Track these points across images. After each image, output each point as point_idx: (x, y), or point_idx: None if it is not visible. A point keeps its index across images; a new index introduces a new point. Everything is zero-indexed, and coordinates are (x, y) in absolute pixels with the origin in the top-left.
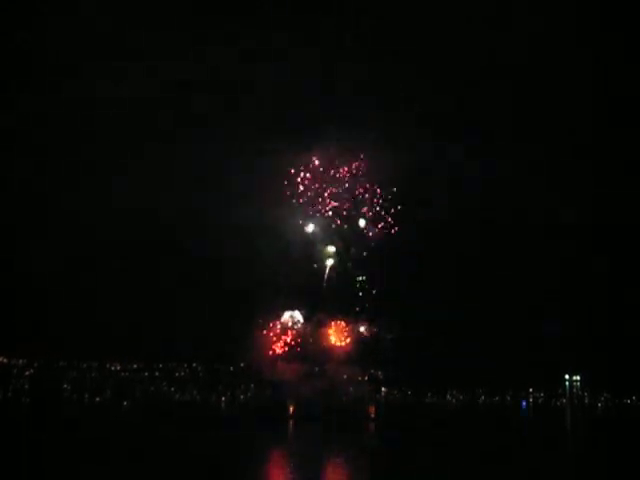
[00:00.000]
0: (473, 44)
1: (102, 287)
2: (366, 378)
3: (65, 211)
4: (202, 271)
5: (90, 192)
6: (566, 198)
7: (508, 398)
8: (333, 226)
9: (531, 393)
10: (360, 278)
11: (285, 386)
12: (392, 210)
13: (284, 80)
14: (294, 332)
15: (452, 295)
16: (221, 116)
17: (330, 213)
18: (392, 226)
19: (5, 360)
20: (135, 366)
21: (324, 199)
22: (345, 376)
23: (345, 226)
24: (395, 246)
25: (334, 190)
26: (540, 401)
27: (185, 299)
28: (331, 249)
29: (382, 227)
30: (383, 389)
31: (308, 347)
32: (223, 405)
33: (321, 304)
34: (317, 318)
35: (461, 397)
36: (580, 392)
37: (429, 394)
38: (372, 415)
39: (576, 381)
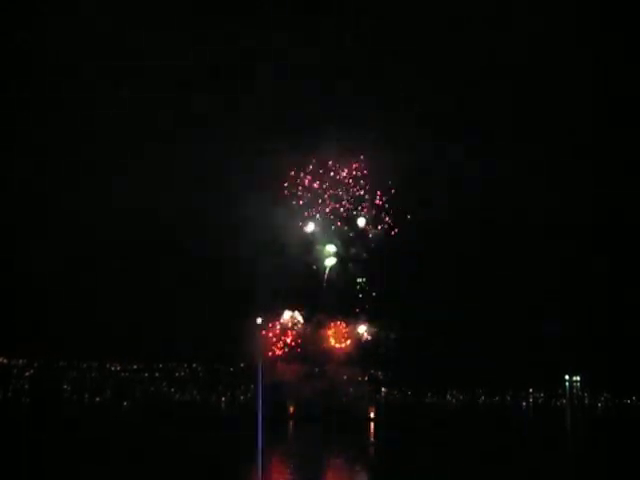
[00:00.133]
0: (473, 44)
1: (102, 287)
2: (366, 378)
3: (65, 211)
4: (202, 271)
5: (90, 192)
6: (566, 198)
7: (508, 398)
8: (333, 226)
9: (531, 393)
10: (360, 279)
11: (285, 387)
12: (392, 211)
13: (284, 80)
14: (294, 332)
15: (452, 295)
16: (221, 116)
17: (330, 213)
18: (392, 227)
19: (5, 360)
20: (135, 366)
21: (324, 199)
22: (345, 376)
23: (345, 227)
24: (395, 247)
25: (334, 191)
26: (540, 401)
27: (185, 299)
28: (331, 249)
29: (382, 228)
30: (383, 389)
31: (308, 348)
32: (223, 405)
33: (321, 305)
34: (317, 319)
35: (461, 397)
36: (580, 392)
37: (429, 394)
38: (372, 415)
39: (576, 381)
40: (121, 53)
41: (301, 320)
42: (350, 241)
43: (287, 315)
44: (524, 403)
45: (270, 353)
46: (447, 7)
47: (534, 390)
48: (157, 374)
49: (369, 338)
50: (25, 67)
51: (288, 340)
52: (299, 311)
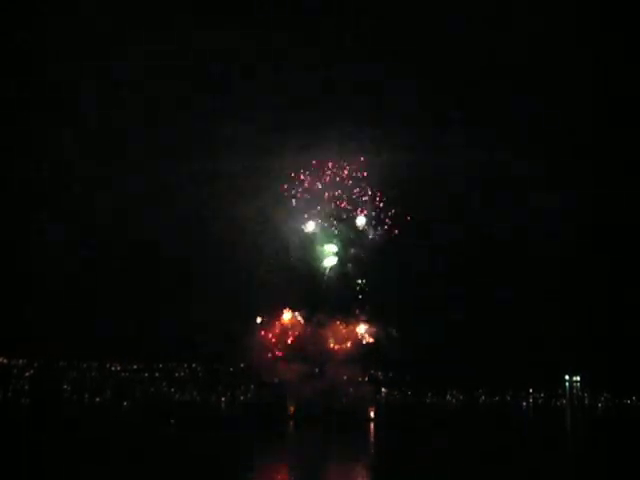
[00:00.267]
0: (473, 44)
1: (102, 287)
2: (366, 379)
3: (65, 212)
4: (202, 271)
5: (90, 192)
6: (566, 198)
7: (508, 398)
8: (333, 226)
9: (531, 393)
10: (360, 281)
11: (285, 387)
12: (392, 212)
13: (284, 80)
14: (294, 333)
15: (452, 296)
16: (221, 116)
17: (330, 214)
18: (392, 228)
19: (5, 360)
20: (135, 366)
21: (324, 200)
22: (345, 377)
23: (345, 227)
24: (395, 248)
25: (334, 191)
26: (540, 401)
27: (185, 299)
28: (330, 249)
29: (382, 229)
30: (383, 389)
31: (308, 348)
32: (223, 405)
33: (321, 305)
34: (317, 319)
35: (461, 397)
36: (580, 392)
37: (429, 394)
38: (372, 416)
39: (576, 381)
40: (121, 53)
41: (301, 320)
42: (350, 241)
43: (287, 315)
44: (524, 403)
45: (270, 353)
46: (447, 7)
47: (534, 390)
48: (157, 374)
49: (369, 338)
50: (25, 67)
51: (288, 340)
52: (299, 311)
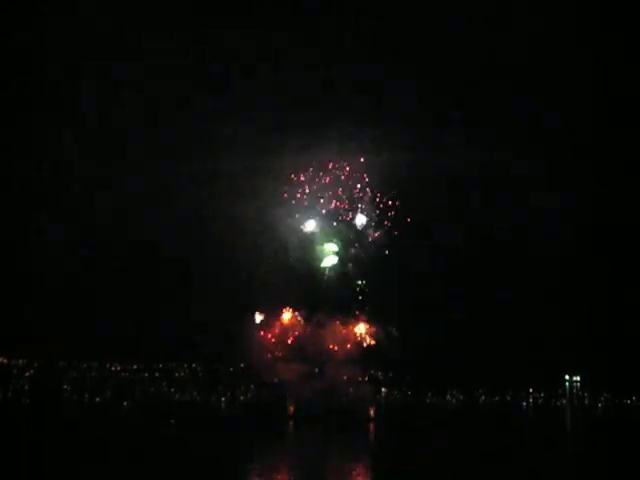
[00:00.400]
0: (473, 44)
1: (102, 287)
2: (366, 379)
3: (65, 212)
4: (202, 271)
5: (90, 192)
6: (566, 198)
7: (508, 398)
8: (334, 224)
9: (531, 393)
10: (360, 282)
11: (285, 387)
12: (392, 212)
13: (284, 80)
14: (294, 333)
15: (452, 296)
16: (221, 116)
17: (330, 214)
18: (392, 229)
19: (5, 360)
20: (135, 366)
21: (323, 200)
22: (345, 377)
23: (345, 227)
24: (395, 248)
25: (334, 191)
26: (540, 401)
27: (185, 299)
28: (331, 248)
29: (382, 229)
30: (383, 389)
31: (308, 348)
32: (223, 405)
33: (321, 305)
34: (317, 319)
35: (461, 397)
36: (580, 392)
37: (429, 394)
38: (372, 415)
39: (576, 381)
40: (121, 53)
41: (301, 320)
42: (350, 241)
43: (287, 315)
44: (524, 403)
45: (270, 353)
46: (447, 7)
47: (534, 390)
48: (157, 374)
49: (369, 338)
50: (25, 67)
51: (288, 340)
52: (299, 311)
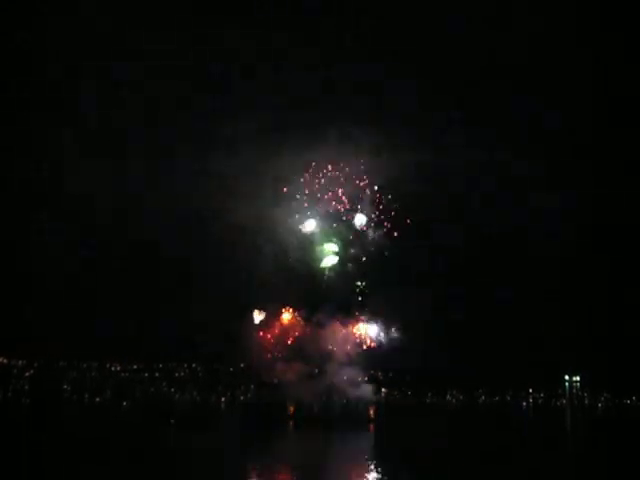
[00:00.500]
0: (473, 44)
1: (102, 287)
2: (366, 379)
3: (65, 212)
4: (202, 271)
5: (90, 193)
6: (566, 198)
7: (508, 398)
8: (334, 224)
9: (531, 393)
10: (359, 283)
11: (285, 387)
12: (392, 213)
13: (284, 80)
14: (294, 333)
15: (452, 296)
16: (221, 116)
17: (329, 214)
18: (391, 229)
19: (5, 360)
20: (135, 366)
21: (323, 200)
22: (345, 377)
23: (344, 227)
24: (394, 248)
25: (334, 191)
26: (540, 401)
27: (185, 299)
28: (331, 248)
29: (382, 229)
30: (383, 390)
31: (308, 348)
32: (223, 405)
33: (321, 304)
34: (317, 319)
35: (461, 397)
36: (580, 392)
37: (429, 394)
38: (372, 416)
39: (576, 381)
40: (121, 53)
41: (301, 320)
42: (350, 241)
43: (287, 316)
44: (524, 403)
45: (270, 354)
46: (447, 7)
47: (534, 390)
48: (157, 374)
49: (369, 339)
50: (25, 67)
51: (288, 341)
52: (299, 311)
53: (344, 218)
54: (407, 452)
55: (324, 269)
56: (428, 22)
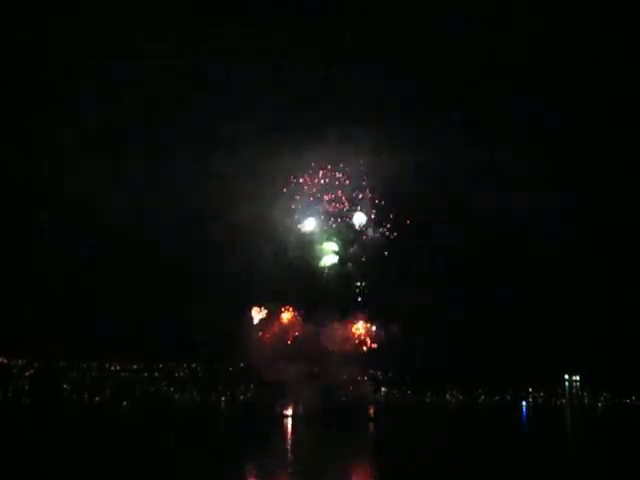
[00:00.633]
0: (473, 44)
1: (102, 287)
2: (366, 378)
3: (65, 213)
4: (202, 271)
5: (90, 193)
6: (566, 198)
7: (508, 398)
8: (334, 226)
9: (531, 393)
10: (359, 283)
11: (285, 386)
12: (391, 214)
13: (284, 80)
14: (294, 332)
15: (452, 296)
16: (221, 116)
17: (329, 213)
18: (391, 230)
19: (5, 360)
20: (135, 366)
21: (323, 200)
22: (344, 376)
23: (344, 226)
24: (394, 249)
25: (334, 191)
26: (540, 401)
27: (185, 299)
28: (330, 247)
29: (381, 229)
30: (383, 389)
31: (308, 347)
32: (223, 405)
33: (320, 304)
34: (316, 318)
35: (461, 397)
36: (580, 392)
37: (429, 394)
38: (372, 415)
39: (576, 381)
40: (121, 53)
41: (300, 320)
42: (350, 241)
43: (287, 315)
44: (524, 402)
45: (269, 353)
46: (447, 7)
47: (534, 390)
48: (157, 374)
49: (368, 338)
50: (25, 67)
51: (288, 340)
52: (298, 311)
53: (344, 218)
54: (407, 451)
55: (324, 268)
56: (428, 22)
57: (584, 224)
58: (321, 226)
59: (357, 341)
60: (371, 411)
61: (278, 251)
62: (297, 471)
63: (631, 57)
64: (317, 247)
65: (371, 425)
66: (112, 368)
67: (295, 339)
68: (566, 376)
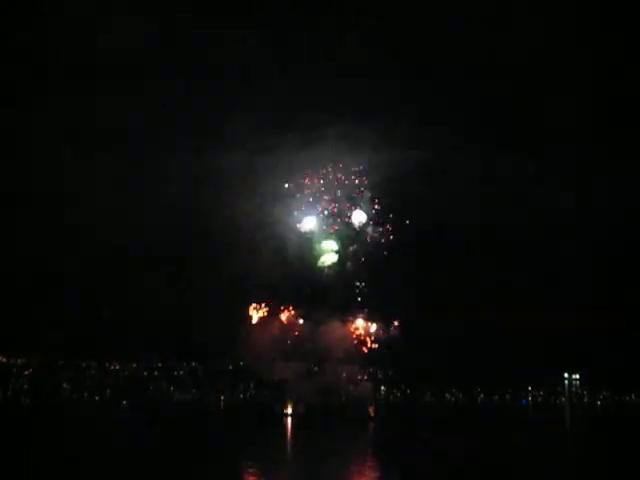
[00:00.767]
0: (473, 44)
1: (102, 288)
2: (365, 377)
3: (66, 213)
4: (201, 271)
5: (90, 193)
6: (566, 198)
7: (508, 397)
8: (334, 226)
9: (531, 391)
10: (358, 283)
11: (284, 385)
12: (391, 214)
13: (284, 80)
14: (293, 331)
15: (452, 296)
16: (221, 116)
17: (329, 212)
18: (390, 230)
19: (5, 359)
20: (135, 366)
21: (323, 200)
22: (344, 375)
23: (343, 225)
24: (393, 250)
25: (333, 191)
26: (540, 399)
27: (184, 300)
28: (329, 246)
29: (381, 229)
30: (383, 388)
31: (307, 346)
32: (223, 404)
33: (320, 303)
34: (316, 317)
35: (460, 396)
36: (579, 390)
37: (428, 393)
38: (372, 414)
39: (575, 379)
40: (122, 53)
41: (300, 319)
42: (349, 240)
43: (286, 314)
44: (524, 401)
45: (269, 352)
46: (447, 7)
47: (534, 388)
48: (157, 374)
49: (368, 337)
50: (25, 67)
51: (287, 339)
52: (298, 310)
53: (343, 217)
54: (407, 451)
55: (323, 267)
56: (428, 22)
57: (584, 223)
58: (320, 225)
59: (357, 341)
60: (371, 410)
61: (278, 250)
62: (296, 471)
63: (631, 57)
64: (316, 245)
65: (371, 424)
66: (112, 368)
67: (295, 338)
68: (566, 374)
